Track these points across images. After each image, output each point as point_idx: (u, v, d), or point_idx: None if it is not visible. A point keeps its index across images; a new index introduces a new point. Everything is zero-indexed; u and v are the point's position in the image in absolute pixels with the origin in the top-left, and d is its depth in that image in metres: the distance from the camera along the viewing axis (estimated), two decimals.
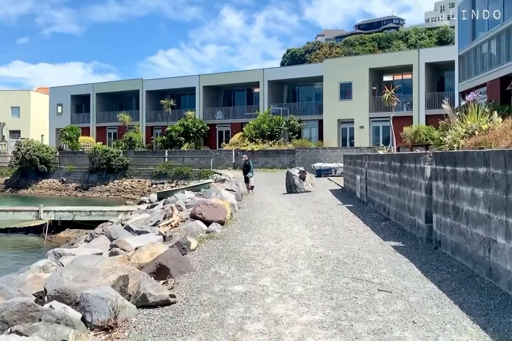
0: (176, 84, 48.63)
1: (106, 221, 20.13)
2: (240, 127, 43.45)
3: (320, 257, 6.70)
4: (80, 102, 54.94)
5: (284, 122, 40.26)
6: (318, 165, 29.94)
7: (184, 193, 18.61)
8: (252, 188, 20.07)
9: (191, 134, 44.58)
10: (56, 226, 21.20)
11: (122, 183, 41.82)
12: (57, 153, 47.41)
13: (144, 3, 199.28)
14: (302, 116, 41.36)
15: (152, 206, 17.46)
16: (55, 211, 21.18)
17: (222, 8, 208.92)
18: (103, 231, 11.00)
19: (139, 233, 8.73)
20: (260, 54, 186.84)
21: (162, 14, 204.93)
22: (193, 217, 9.84)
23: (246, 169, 20.38)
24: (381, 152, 15.97)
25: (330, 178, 27.19)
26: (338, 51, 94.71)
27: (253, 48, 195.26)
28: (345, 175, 19.59)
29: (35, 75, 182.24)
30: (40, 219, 21.13)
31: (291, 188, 18.58)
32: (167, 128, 45.50)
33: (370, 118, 37.02)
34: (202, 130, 44.95)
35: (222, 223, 9.88)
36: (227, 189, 16.77)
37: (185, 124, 44.50)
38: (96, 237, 10.23)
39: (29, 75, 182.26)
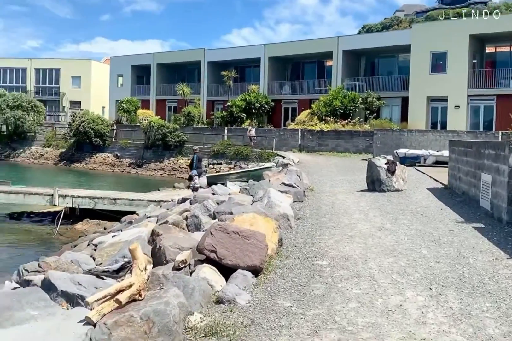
0: (240, 54, 43.68)
1: (133, 212, 16.04)
2: (308, 104, 37.97)
3: None
4: (141, 73, 51.50)
5: (360, 99, 34.38)
6: (402, 151, 24.32)
7: (226, 185, 13.86)
8: (194, 189, 16.05)
9: (254, 111, 39.66)
10: (74, 215, 17.24)
11: (177, 161, 38.17)
12: (114, 126, 44.44)
13: None
14: (382, 93, 35.19)
15: (184, 200, 12.76)
16: (72, 196, 17.14)
17: None
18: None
19: (70, 297, 4.04)
20: (334, 33, 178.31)
21: None
22: (201, 252, 5.02)
23: (191, 164, 17.09)
24: None
25: (418, 168, 21.63)
26: None
27: (327, 27, 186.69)
28: (451, 168, 14.07)
29: (115, 52, 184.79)
30: (55, 205, 17.21)
31: (375, 184, 13.36)
32: (228, 103, 40.98)
33: (468, 95, 30.29)
34: (266, 106, 39.91)
35: (256, 270, 4.98)
36: (284, 183, 11.83)
37: (247, 99, 39.63)
38: None
39: (109, 51, 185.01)
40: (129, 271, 4.33)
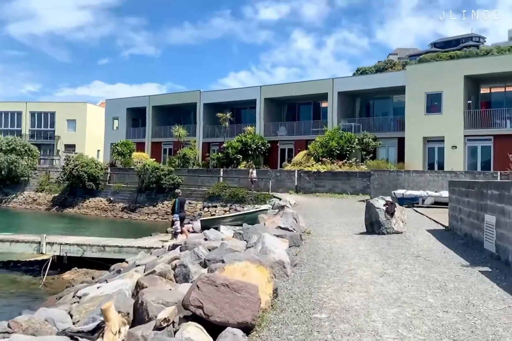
0: (236, 96, 44.08)
1: (122, 260, 15.36)
2: (304, 145, 37.96)
3: None
4: (136, 116, 51.75)
5: (356, 140, 34.41)
6: (400, 192, 23.96)
7: (219, 229, 13.39)
8: (175, 234, 15.99)
9: (250, 152, 39.58)
10: (62, 263, 16.54)
11: (171, 204, 37.40)
12: (108, 170, 43.99)
13: (218, 27, 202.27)
14: (378, 134, 35.26)
15: (174, 247, 12.25)
16: (60, 244, 16.47)
17: (293, 31, 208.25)
18: None
19: None
20: (329, 76, 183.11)
21: (234, 37, 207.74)
22: (186, 308, 4.54)
23: (173, 208, 16.65)
24: None
25: (416, 209, 21.22)
26: None
27: (322, 71, 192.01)
28: (452, 209, 13.68)
29: (113, 95, 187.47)
30: (42, 253, 16.55)
31: (373, 226, 12.92)
32: (224, 145, 40.90)
33: (465, 136, 30.30)
34: (262, 147, 39.86)
35: (247, 327, 4.49)
36: (280, 227, 11.39)
37: (243, 140, 39.61)
38: None
39: (106, 95, 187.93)
40: (101, 334, 3.84)
